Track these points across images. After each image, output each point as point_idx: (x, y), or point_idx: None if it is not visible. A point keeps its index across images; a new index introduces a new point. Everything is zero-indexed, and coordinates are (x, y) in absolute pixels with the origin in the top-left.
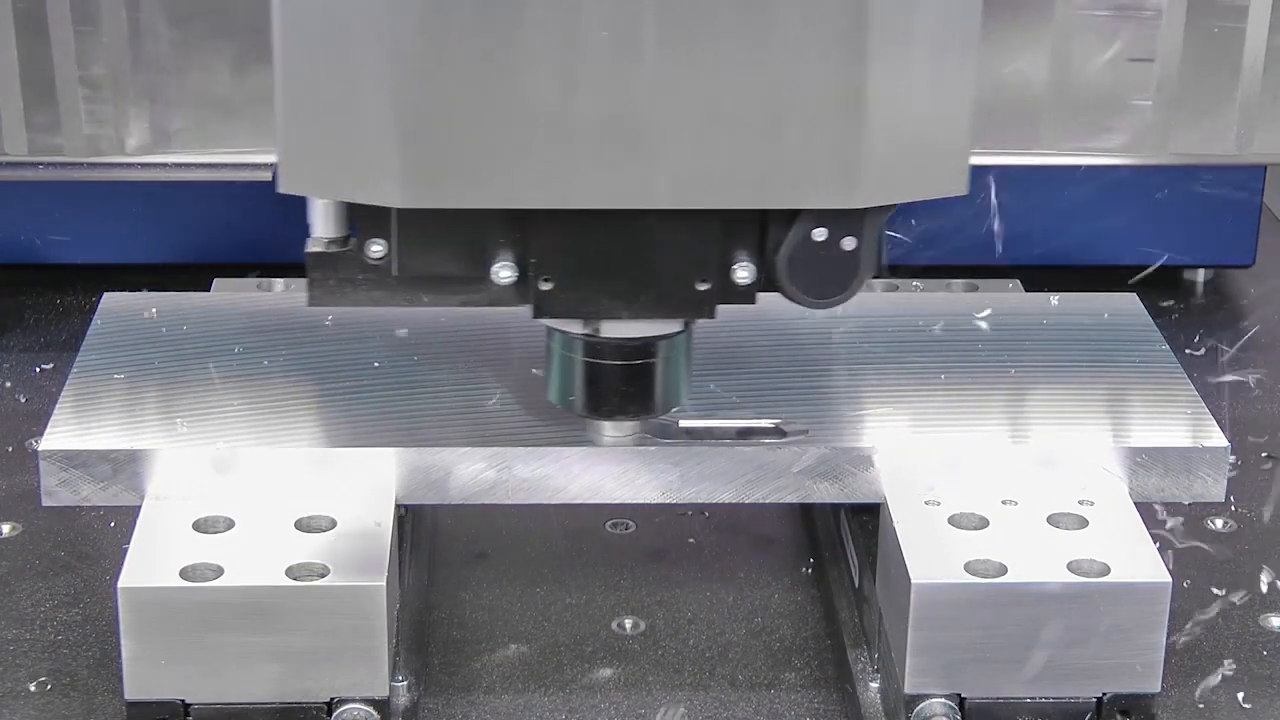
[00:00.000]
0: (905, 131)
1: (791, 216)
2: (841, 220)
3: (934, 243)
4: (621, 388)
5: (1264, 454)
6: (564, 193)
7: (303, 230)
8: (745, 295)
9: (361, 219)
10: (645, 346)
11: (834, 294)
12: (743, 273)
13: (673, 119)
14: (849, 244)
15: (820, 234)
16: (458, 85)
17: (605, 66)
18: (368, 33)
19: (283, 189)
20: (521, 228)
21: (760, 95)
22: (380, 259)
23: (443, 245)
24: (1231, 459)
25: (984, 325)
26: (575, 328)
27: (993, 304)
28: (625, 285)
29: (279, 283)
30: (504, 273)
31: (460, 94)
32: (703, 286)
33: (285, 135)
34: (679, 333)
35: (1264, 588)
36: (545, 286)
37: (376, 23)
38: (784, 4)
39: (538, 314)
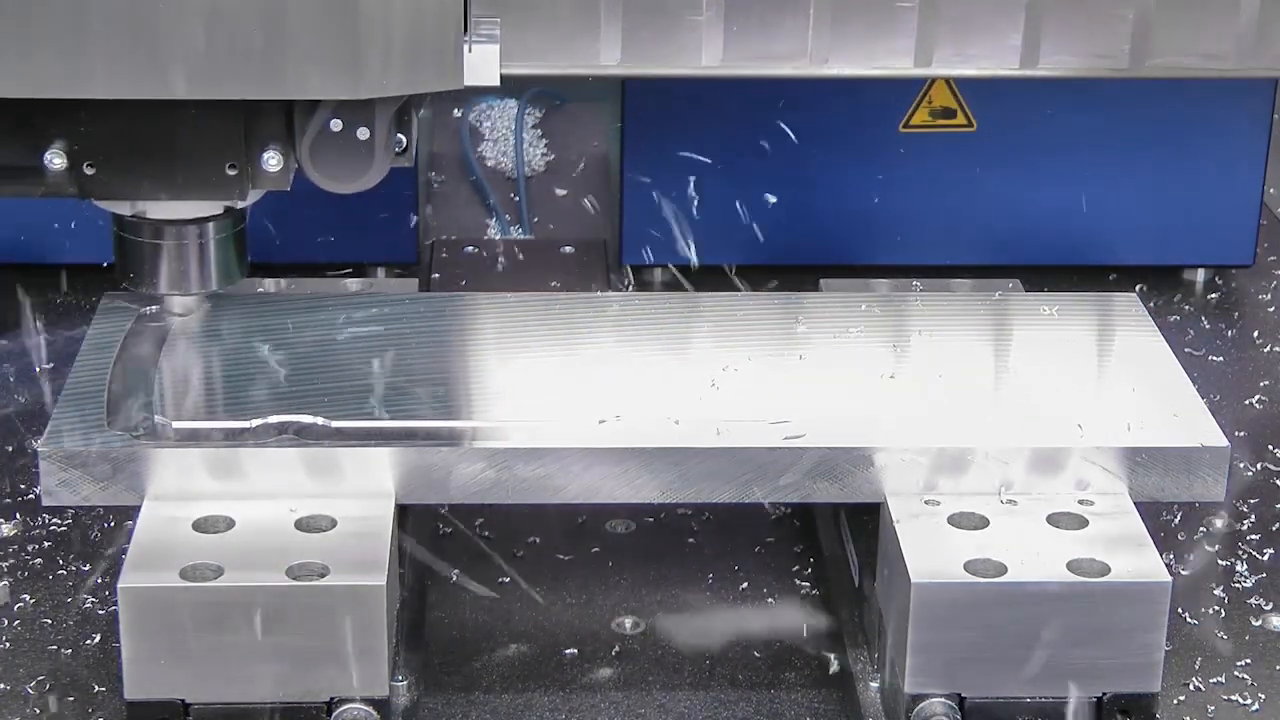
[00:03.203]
0: (401, 25)
1: (313, 107)
2: (354, 112)
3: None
4: (172, 264)
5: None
6: (88, 83)
7: (301, 230)
8: (277, 180)
9: None
10: (189, 225)
11: (353, 180)
12: (272, 160)
13: (181, 13)
14: (363, 134)
15: (336, 124)
16: None
17: None
18: None
19: None
20: (67, 116)
21: None
22: None
23: (4, 135)
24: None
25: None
26: (124, 209)
27: (993, 304)
28: (160, 169)
29: (279, 282)
30: (54, 161)
31: None
32: (232, 171)
33: None
34: (221, 215)
35: (1264, 587)
36: (89, 171)
37: None
38: None
39: (83, 195)
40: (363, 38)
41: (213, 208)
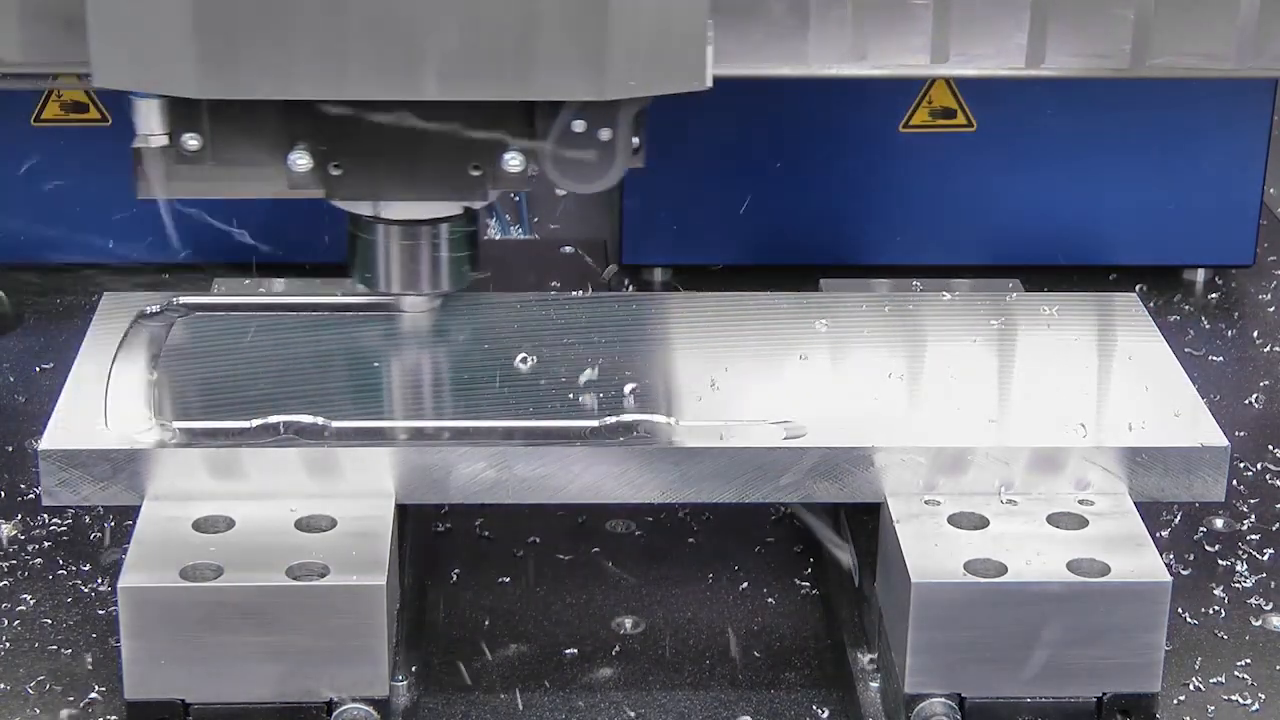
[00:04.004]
0: (647, 28)
1: (555, 109)
2: (597, 113)
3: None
4: (410, 264)
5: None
6: (341, 85)
7: (305, 230)
8: (517, 181)
9: (177, 114)
10: (428, 227)
11: (594, 181)
12: (513, 161)
13: (435, 18)
14: (605, 135)
15: (579, 125)
16: None
17: None
18: None
19: (97, 83)
20: (314, 118)
21: None
22: (196, 151)
23: (249, 135)
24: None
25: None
26: (365, 210)
27: (993, 304)
28: (406, 169)
29: (279, 282)
30: (300, 160)
31: None
32: (476, 172)
33: (95, 32)
34: (458, 215)
35: (1264, 587)
36: (335, 172)
37: None
38: None
39: (329, 196)
40: (610, 40)
41: (450, 208)
